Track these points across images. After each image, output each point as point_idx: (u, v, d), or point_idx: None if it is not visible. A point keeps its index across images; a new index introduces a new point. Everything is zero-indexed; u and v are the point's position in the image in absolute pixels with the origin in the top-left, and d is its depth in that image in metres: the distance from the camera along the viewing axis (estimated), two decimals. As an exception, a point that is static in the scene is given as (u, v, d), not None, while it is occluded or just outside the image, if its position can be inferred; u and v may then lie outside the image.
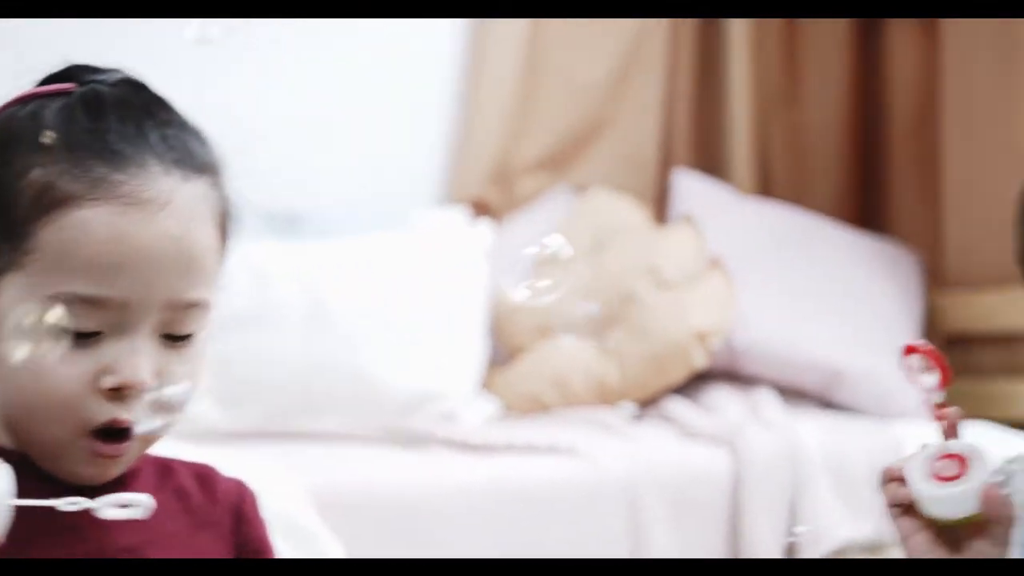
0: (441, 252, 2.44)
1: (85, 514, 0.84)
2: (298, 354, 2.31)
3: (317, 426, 2.16)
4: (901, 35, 2.82)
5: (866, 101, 2.91)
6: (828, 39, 2.88)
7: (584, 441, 2.07)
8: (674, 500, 2.04)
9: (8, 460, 0.83)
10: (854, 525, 2.16)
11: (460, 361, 2.37)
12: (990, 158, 2.57)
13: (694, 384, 2.45)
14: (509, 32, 2.77)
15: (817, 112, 2.90)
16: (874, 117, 2.90)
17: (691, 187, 2.72)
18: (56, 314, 0.84)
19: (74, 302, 0.85)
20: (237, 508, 0.99)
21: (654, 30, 2.84)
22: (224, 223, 0.93)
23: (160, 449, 0.97)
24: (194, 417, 2.18)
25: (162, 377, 0.88)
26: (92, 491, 0.87)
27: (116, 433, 0.88)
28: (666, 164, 2.87)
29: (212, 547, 0.97)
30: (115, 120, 0.90)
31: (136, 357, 0.87)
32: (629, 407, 2.35)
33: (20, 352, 0.83)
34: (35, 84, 0.94)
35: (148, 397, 0.87)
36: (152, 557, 0.92)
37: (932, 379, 0.90)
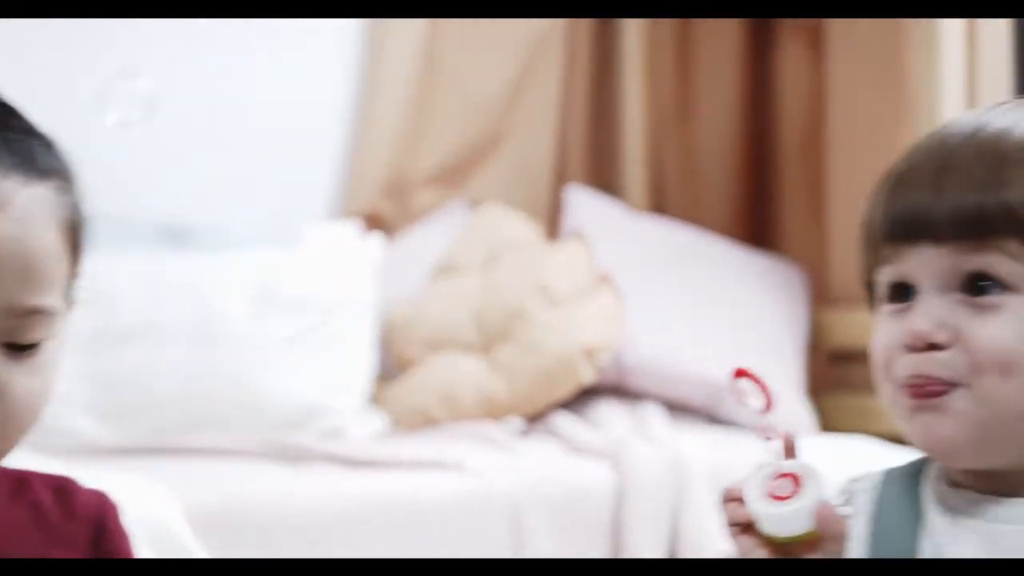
0: (330, 267, 2.44)
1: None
2: (185, 369, 2.29)
3: (201, 442, 2.15)
4: (791, 53, 2.86)
5: (757, 119, 2.95)
6: (720, 57, 2.92)
7: (469, 456, 2.08)
8: (557, 514, 2.06)
9: None
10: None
11: (348, 376, 2.37)
12: (873, 176, 2.61)
13: (582, 399, 2.47)
14: (404, 43, 2.77)
15: (710, 130, 2.94)
16: (765, 135, 2.95)
17: (583, 203, 2.74)
18: None
19: None
20: (97, 521, 0.98)
21: (550, 44, 2.86)
22: (72, 230, 0.92)
23: (24, 463, 0.96)
24: (73, 432, 2.16)
25: (2, 389, 0.87)
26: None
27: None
28: (561, 179, 2.89)
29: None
30: None
31: None
32: (516, 422, 2.37)
33: None
34: None
35: None
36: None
37: (759, 403, 0.92)
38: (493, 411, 2.39)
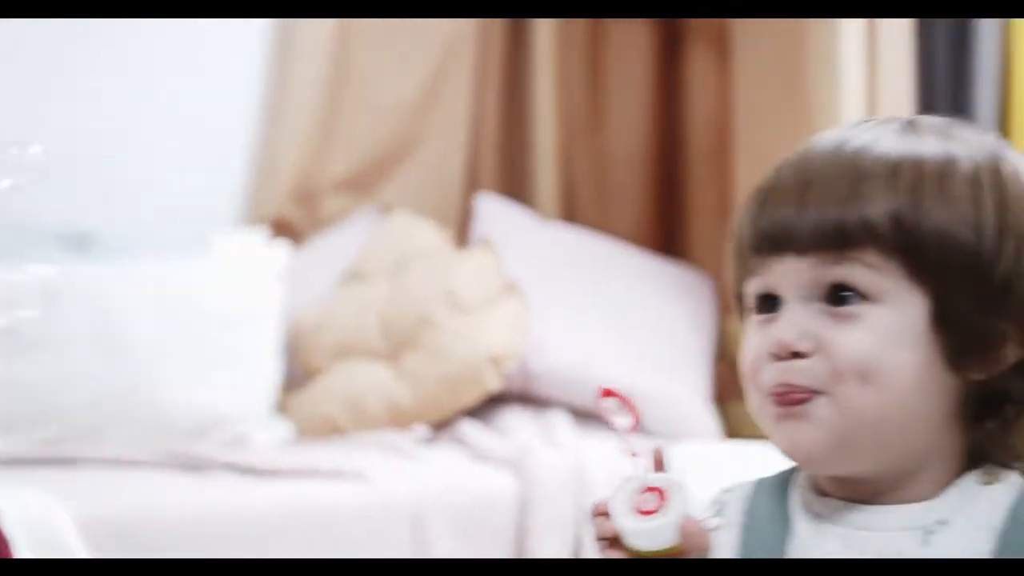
0: (236, 274, 2.42)
1: None
2: (86, 378, 2.27)
3: (102, 451, 2.13)
4: (699, 58, 2.89)
5: (667, 125, 2.97)
6: (631, 63, 2.94)
7: (371, 464, 2.07)
8: (460, 522, 2.06)
9: None
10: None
11: (253, 384, 2.36)
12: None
13: (489, 407, 2.47)
14: (313, 46, 2.76)
15: (620, 137, 2.96)
16: (675, 141, 2.97)
17: (492, 211, 2.75)
18: None
19: None
20: None
21: (461, 49, 2.86)
22: None
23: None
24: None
25: None
26: None
27: None
28: (473, 186, 2.90)
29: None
30: None
31: None
32: (422, 430, 2.37)
33: None
34: None
35: None
36: None
37: (626, 421, 0.93)
38: (399, 419, 2.39)
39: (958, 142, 0.90)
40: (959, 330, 0.87)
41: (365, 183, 2.83)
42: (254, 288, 2.42)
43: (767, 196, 0.92)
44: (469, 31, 2.86)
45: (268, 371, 2.39)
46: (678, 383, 2.53)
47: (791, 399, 0.89)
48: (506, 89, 2.93)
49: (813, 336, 0.88)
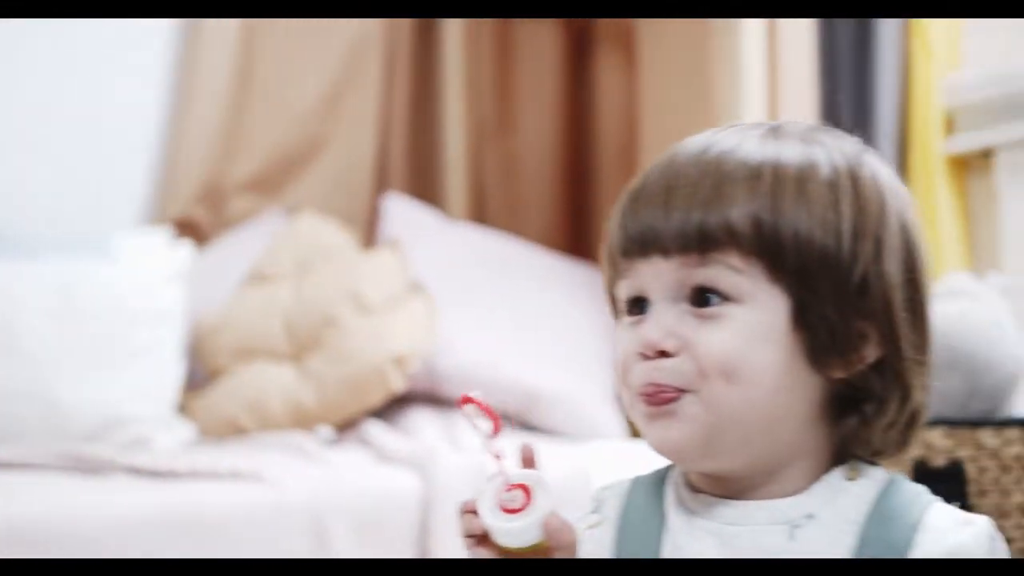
0: (138, 274, 2.40)
1: None
2: (-17, 379, 2.24)
3: (-2, 453, 2.10)
4: (607, 60, 2.91)
5: (576, 127, 2.99)
6: (540, 64, 2.95)
7: (271, 466, 2.06)
8: (362, 523, 2.05)
9: None
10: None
11: (154, 385, 2.34)
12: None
13: (396, 407, 2.47)
14: (219, 46, 2.74)
15: (530, 138, 2.97)
16: (584, 143, 2.99)
17: (400, 211, 2.75)
18: None
19: None
20: None
21: (368, 50, 2.86)
22: None
23: None
24: None
25: None
26: None
27: None
28: (381, 187, 2.90)
29: None
30: None
31: None
32: (326, 431, 2.36)
33: None
34: None
35: None
36: None
37: (487, 426, 0.95)
38: (302, 420, 2.38)
39: (819, 147, 0.92)
40: (819, 330, 0.89)
41: (272, 184, 2.81)
42: (156, 288, 2.40)
43: (635, 200, 0.93)
44: (376, 31, 2.86)
45: (170, 372, 2.37)
46: (585, 383, 2.55)
47: (660, 398, 0.91)
48: (414, 89, 2.93)
49: (679, 336, 0.90)
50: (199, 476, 1.99)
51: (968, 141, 2.47)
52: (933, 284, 1.91)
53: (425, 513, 2.12)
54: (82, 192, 2.65)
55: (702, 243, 0.89)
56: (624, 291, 0.94)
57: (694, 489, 0.95)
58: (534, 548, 0.92)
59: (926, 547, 0.87)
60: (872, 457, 0.93)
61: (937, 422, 1.72)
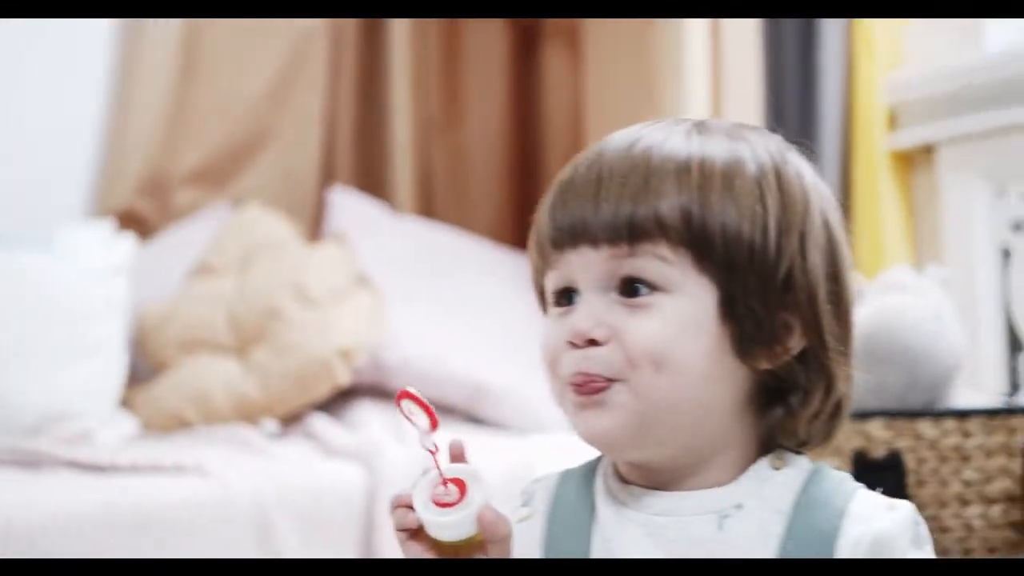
0: (80, 267, 2.38)
1: None
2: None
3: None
4: (554, 55, 2.91)
5: (524, 121, 3.00)
6: (487, 59, 2.95)
7: (214, 460, 2.05)
8: (307, 517, 2.05)
9: None
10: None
11: (97, 379, 2.32)
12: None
13: (343, 401, 2.47)
14: (163, 38, 2.73)
15: (477, 132, 2.97)
16: (531, 137, 3.00)
17: (346, 204, 2.74)
18: None
19: None
20: None
21: (314, 43, 2.85)
22: None
23: None
24: None
25: None
26: None
27: None
28: (328, 180, 2.89)
29: None
30: None
31: None
32: (271, 424, 2.36)
33: None
34: None
35: None
36: None
37: (424, 421, 0.95)
38: (247, 413, 2.37)
39: (745, 144, 0.93)
40: (745, 321, 0.90)
41: (217, 176, 2.80)
42: (99, 281, 2.38)
43: (564, 192, 0.94)
44: (323, 24, 2.85)
45: (113, 366, 2.36)
46: (532, 376, 2.53)
47: (590, 388, 0.91)
48: (361, 82, 2.92)
49: (608, 325, 0.90)
50: (141, 470, 1.98)
51: (911, 137, 2.50)
52: (870, 278, 1.93)
53: (370, 507, 2.12)
54: (24, 185, 2.63)
55: (632, 234, 0.89)
56: (553, 282, 0.95)
57: (624, 480, 0.96)
58: (468, 542, 0.92)
59: (852, 534, 0.88)
60: (799, 448, 0.94)
61: (877, 413, 1.74)
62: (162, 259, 2.59)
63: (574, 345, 0.92)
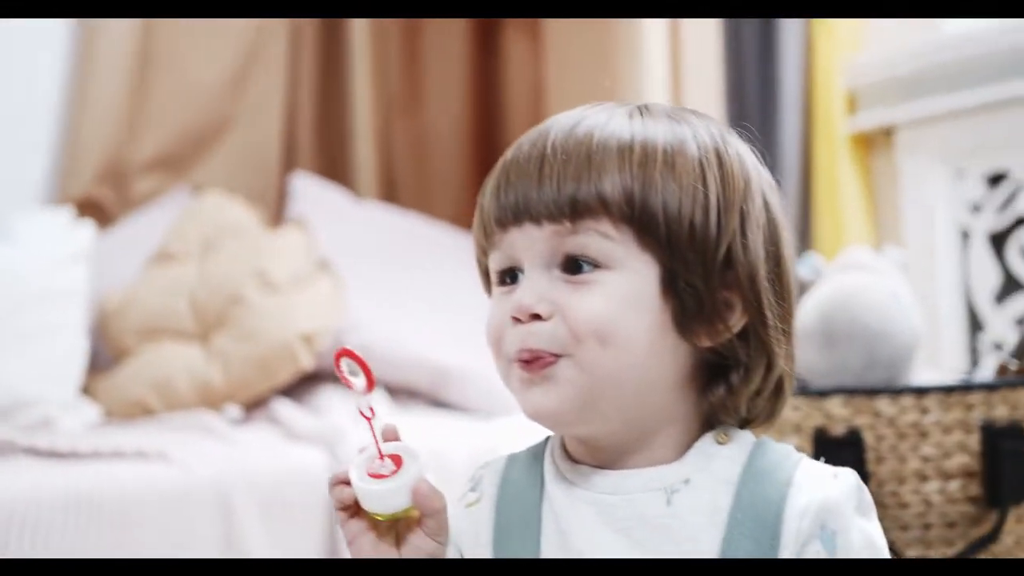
0: (40, 255, 2.37)
1: None
2: None
3: None
4: (514, 45, 2.91)
5: (485, 109, 3.00)
6: (449, 47, 2.95)
7: (176, 446, 2.05)
8: (269, 503, 2.05)
9: None
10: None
11: (58, 366, 2.31)
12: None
13: (306, 386, 2.47)
14: (120, 25, 2.71)
15: (439, 119, 2.97)
16: (493, 124, 3.00)
17: (308, 190, 2.74)
18: None
19: None
20: None
21: (274, 30, 2.84)
22: None
23: None
24: None
25: None
26: None
27: None
28: (290, 166, 2.88)
29: None
30: None
31: None
32: (234, 410, 2.35)
33: None
34: None
35: None
36: None
37: (360, 382, 0.95)
38: (210, 399, 2.36)
39: (686, 126, 0.94)
40: (686, 297, 0.91)
41: (177, 163, 2.79)
42: (58, 269, 2.37)
43: (507, 171, 0.95)
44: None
45: (74, 353, 2.35)
46: (488, 360, 2.55)
47: (538, 363, 0.91)
48: (321, 68, 2.91)
49: (551, 300, 0.91)
50: (103, 456, 1.97)
51: (870, 119, 2.51)
52: (830, 259, 1.94)
53: (333, 491, 2.11)
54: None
55: (574, 211, 0.90)
56: (496, 262, 0.96)
57: (572, 460, 0.96)
58: (402, 515, 0.93)
59: (799, 502, 0.89)
60: (744, 426, 0.95)
61: (836, 391, 1.75)
62: (122, 246, 2.58)
63: (518, 320, 0.92)
